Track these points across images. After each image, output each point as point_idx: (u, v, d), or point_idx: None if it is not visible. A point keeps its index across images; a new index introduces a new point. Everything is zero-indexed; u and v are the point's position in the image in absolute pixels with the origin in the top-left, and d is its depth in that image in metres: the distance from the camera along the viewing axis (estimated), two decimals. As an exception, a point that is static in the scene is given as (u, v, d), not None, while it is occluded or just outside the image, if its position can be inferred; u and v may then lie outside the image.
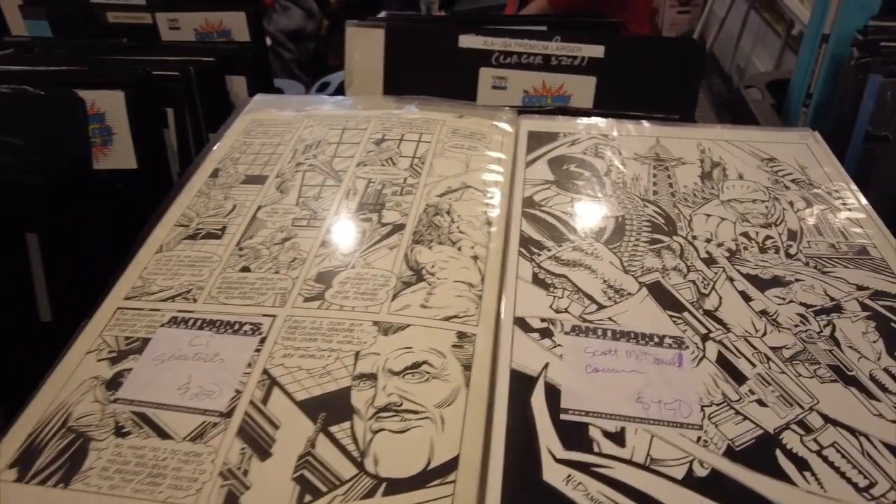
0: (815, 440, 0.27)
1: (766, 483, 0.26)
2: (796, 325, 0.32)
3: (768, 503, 0.25)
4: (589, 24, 0.61)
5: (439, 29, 0.55)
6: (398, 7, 1.73)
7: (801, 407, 0.29)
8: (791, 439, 0.27)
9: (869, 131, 0.50)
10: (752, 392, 0.29)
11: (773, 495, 0.25)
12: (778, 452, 0.27)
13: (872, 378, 0.30)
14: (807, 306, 0.34)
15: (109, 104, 0.48)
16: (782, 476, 0.26)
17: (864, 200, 0.41)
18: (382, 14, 0.65)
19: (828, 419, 0.28)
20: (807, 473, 0.26)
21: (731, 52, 1.40)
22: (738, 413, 0.28)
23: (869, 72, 0.49)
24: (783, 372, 0.30)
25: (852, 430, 0.28)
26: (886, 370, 0.30)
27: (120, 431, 0.29)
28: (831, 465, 0.26)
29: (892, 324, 0.32)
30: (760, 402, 0.29)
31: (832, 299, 0.34)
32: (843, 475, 0.26)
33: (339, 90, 0.76)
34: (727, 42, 1.42)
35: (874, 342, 0.32)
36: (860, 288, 0.35)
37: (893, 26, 0.53)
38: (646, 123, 0.49)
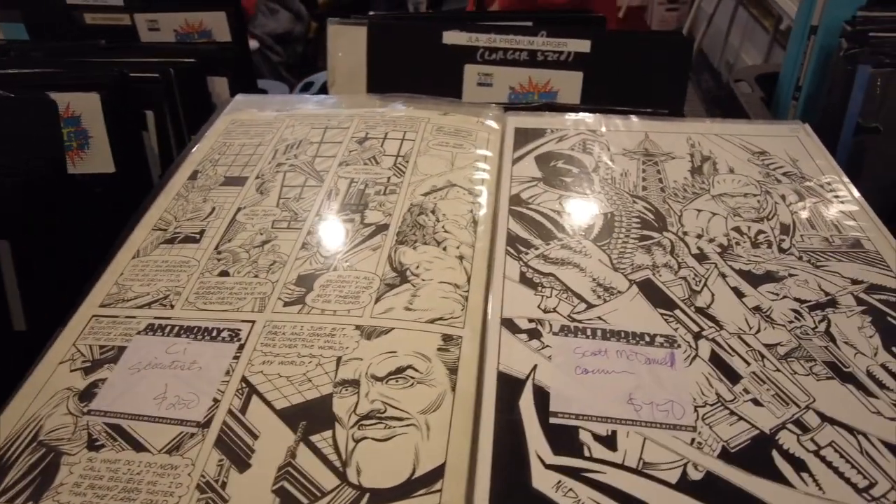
0: (812, 440, 0.27)
1: (763, 485, 0.25)
2: (791, 322, 0.32)
3: None
4: (573, 20, 0.60)
5: (422, 25, 0.54)
6: (387, 8, 1.72)
7: (798, 405, 0.28)
8: (787, 439, 0.27)
9: (859, 123, 0.49)
10: (746, 391, 0.29)
11: (770, 498, 0.24)
12: (774, 453, 0.26)
13: (869, 374, 0.29)
14: (801, 301, 0.33)
15: (85, 106, 0.47)
16: (779, 478, 0.25)
17: (856, 193, 0.40)
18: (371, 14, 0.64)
19: (825, 417, 0.27)
20: (804, 475, 0.25)
21: (719, 48, 1.40)
22: (732, 413, 0.28)
23: (858, 62, 0.49)
24: (778, 370, 0.29)
25: (850, 429, 0.27)
26: (884, 366, 0.29)
27: (93, 445, 0.28)
28: (829, 465, 0.26)
29: (889, 318, 0.32)
30: (755, 402, 0.28)
31: (827, 294, 0.33)
32: (841, 475, 0.25)
33: (323, 89, 0.75)
34: (716, 38, 1.42)
35: (870, 337, 0.31)
36: (855, 282, 0.34)
37: (881, 16, 0.52)
38: (634, 118, 0.48)
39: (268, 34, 1.52)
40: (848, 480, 0.25)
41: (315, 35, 1.67)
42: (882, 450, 0.26)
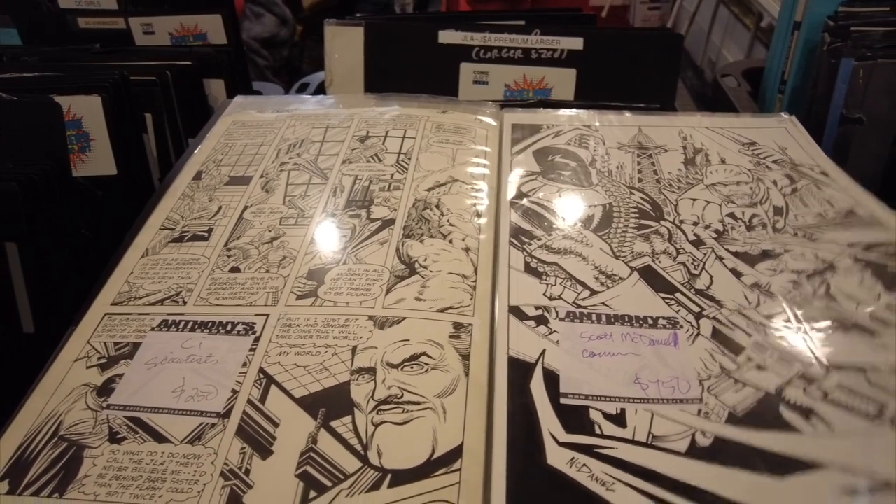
0: (818, 388, 0.27)
1: (772, 438, 0.26)
2: (790, 292, 0.33)
3: (775, 456, 0.25)
4: (565, 17, 0.61)
5: (419, 25, 0.55)
6: (373, 10, 1.73)
7: (802, 362, 0.29)
8: (794, 393, 0.27)
9: (843, 114, 0.51)
10: (750, 359, 0.30)
11: (778, 447, 0.25)
12: (782, 408, 0.27)
13: (874, 318, 0.30)
14: (799, 272, 0.34)
15: (86, 109, 0.47)
16: (787, 427, 0.26)
17: (844, 174, 0.41)
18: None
19: (831, 366, 0.28)
20: (813, 419, 0.26)
21: (702, 46, 1.42)
22: (737, 381, 0.29)
23: (841, 56, 0.51)
24: (781, 336, 0.30)
25: (857, 368, 0.28)
26: (888, 306, 0.30)
27: (115, 437, 0.29)
28: (838, 404, 0.26)
29: (889, 268, 0.32)
30: (759, 367, 0.29)
31: (824, 261, 0.34)
32: (851, 410, 0.26)
33: (319, 90, 0.76)
34: (698, 36, 1.44)
35: (871, 287, 0.32)
36: (851, 245, 0.35)
37: (862, 12, 0.54)
38: (627, 113, 0.49)
39: (254, 38, 1.52)
40: (858, 412, 0.26)
41: (300, 38, 1.67)
42: (891, 376, 0.27)
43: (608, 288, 0.34)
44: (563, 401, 0.29)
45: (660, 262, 0.36)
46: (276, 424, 0.28)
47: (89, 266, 0.41)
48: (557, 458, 0.26)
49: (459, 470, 0.26)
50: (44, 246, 0.41)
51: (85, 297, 0.36)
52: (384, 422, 0.28)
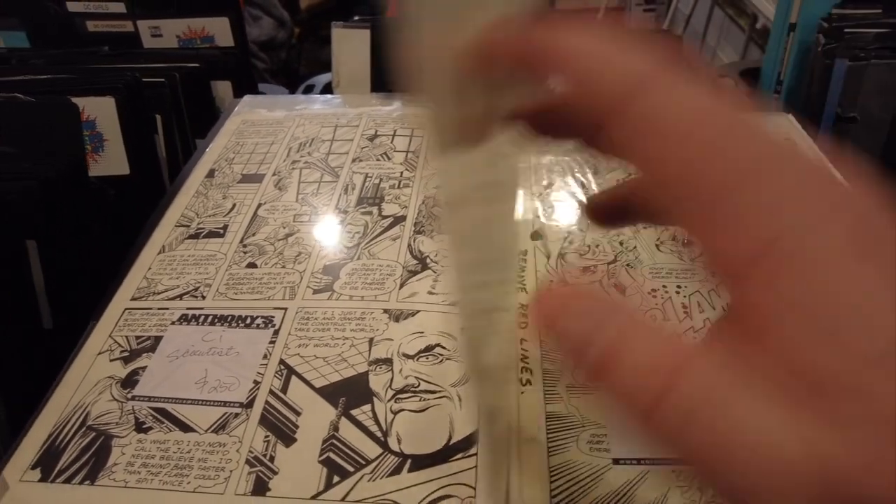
0: None
1: None
2: None
3: None
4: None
5: (424, 28, 0.56)
6: (371, 12, 1.73)
7: None
8: None
9: (838, 113, 0.53)
10: None
11: None
12: None
13: None
14: None
15: (100, 110, 0.48)
16: None
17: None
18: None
19: None
20: None
21: (697, 47, 1.44)
22: None
23: (835, 57, 0.52)
24: None
25: None
26: None
27: (141, 427, 0.30)
28: None
29: None
30: None
31: None
32: None
33: (325, 92, 0.77)
34: (693, 38, 1.46)
35: None
36: None
37: (855, 13, 0.55)
38: None
39: (252, 41, 1.53)
40: None
41: (297, 41, 1.67)
42: None
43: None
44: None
45: None
46: (298, 413, 0.29)
47: (102, 264, 0.42)
48: None
49: (476, 455, 0.27)
50: (61, 244, 0.41)
51: (99, 294, 0.37)
52: (402, 410, 0.29)
